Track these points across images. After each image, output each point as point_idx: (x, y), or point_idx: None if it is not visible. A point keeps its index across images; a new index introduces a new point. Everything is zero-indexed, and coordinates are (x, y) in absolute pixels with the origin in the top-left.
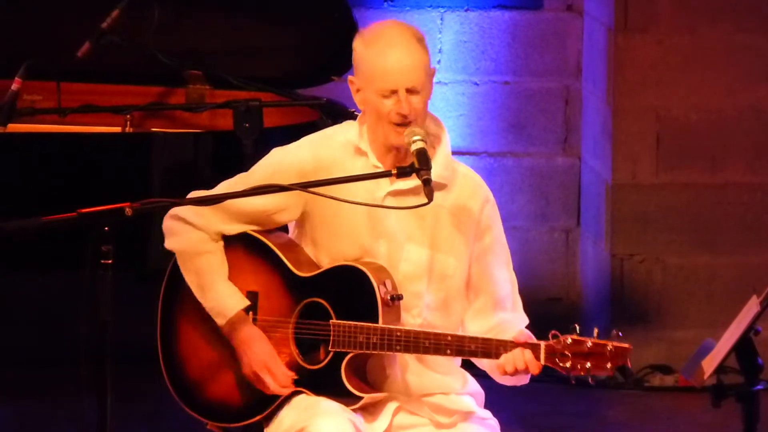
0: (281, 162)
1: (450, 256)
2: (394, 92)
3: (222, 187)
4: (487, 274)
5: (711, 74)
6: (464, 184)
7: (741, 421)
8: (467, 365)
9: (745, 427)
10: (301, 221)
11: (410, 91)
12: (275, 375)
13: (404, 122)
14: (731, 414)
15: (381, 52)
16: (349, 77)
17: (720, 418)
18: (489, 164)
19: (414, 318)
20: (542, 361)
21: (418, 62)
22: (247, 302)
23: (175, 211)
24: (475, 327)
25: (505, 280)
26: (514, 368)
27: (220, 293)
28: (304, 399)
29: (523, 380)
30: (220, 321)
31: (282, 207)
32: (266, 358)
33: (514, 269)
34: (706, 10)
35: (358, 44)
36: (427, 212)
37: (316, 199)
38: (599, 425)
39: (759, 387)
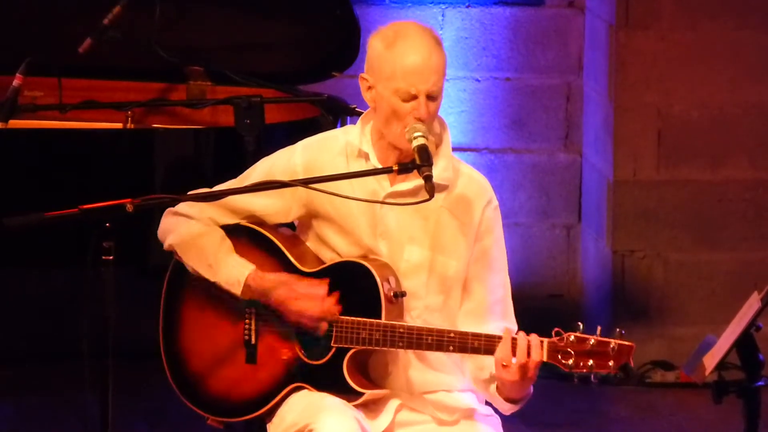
0: (273, 166)
1: (451, 258)
2: (414, 97)
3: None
4: (482, 278)
5: (713, 71)
6: (467, 185)
7: (742, 417)
8: None
9: (747, 423)
10: (307, 218)
11: (429, 96)
12: (315, 297)
13: None
14: (732, 410)
15: (404, 53)
16: (361, 74)
17: (721, 414)
18: (490, 160)
19: (413, 319)
20: (545, 358)
21: (441, 68)
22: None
23: (169, 209)
24: (465, 329)
25: (498, 285)
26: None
27: (231, 263)
28: (306, 395)
29: (521, 393)
30: (236, 289)
31: (275, 211)
32: (302, 290)
33: (515, 266)
34: (708, 7)
35: (376, 42)
36: (429, 213)
37: (319, 198)
38: (600, 421)
39: (760, 383)
